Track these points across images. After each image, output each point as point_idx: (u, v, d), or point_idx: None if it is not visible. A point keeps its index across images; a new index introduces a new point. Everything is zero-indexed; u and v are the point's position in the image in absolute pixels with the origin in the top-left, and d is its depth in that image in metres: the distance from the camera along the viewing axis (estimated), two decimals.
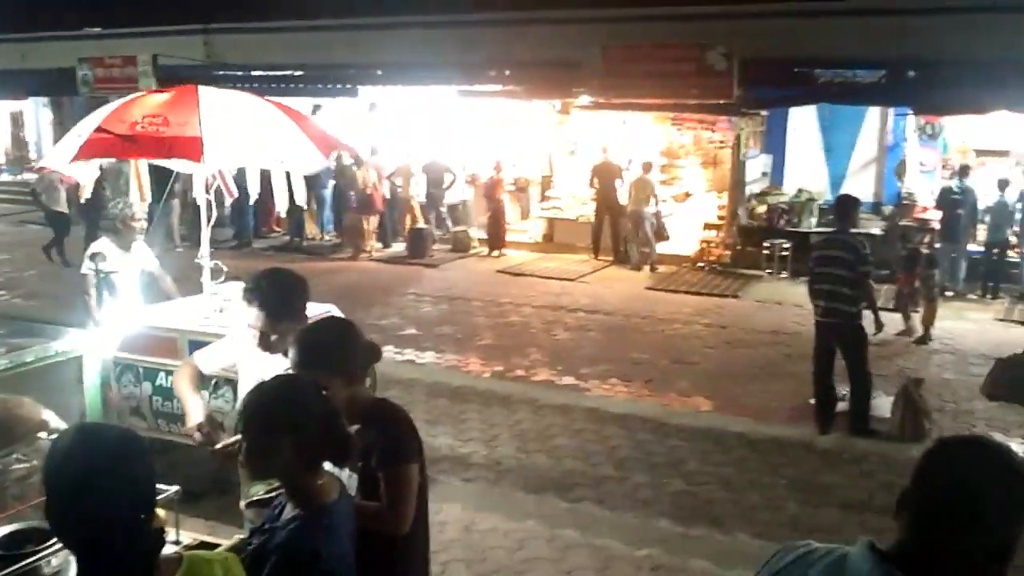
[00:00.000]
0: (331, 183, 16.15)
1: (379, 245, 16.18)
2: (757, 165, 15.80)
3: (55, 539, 2.44)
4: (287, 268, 3.83)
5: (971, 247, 12.96)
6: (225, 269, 6.38)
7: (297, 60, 15.74)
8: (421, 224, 16.17)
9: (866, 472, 6.82)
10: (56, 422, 3.59)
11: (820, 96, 13.31)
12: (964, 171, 12.97)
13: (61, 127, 22.89)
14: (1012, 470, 1.62)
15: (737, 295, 12.88)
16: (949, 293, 12.50)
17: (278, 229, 17.50)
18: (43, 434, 3.53)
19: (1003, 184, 12.69)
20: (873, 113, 15.10)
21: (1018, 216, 12.51)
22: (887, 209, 14.49)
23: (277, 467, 2.40)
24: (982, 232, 13.01)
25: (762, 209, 14.92)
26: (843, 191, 13.16)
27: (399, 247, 16.26)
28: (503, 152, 16.16)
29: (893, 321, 10.01)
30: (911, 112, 13.87)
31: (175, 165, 6.51)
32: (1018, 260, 12.64)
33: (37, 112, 23.81)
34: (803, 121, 15.56)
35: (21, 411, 3.54)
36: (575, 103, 14.90)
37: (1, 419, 3.48)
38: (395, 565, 2.91)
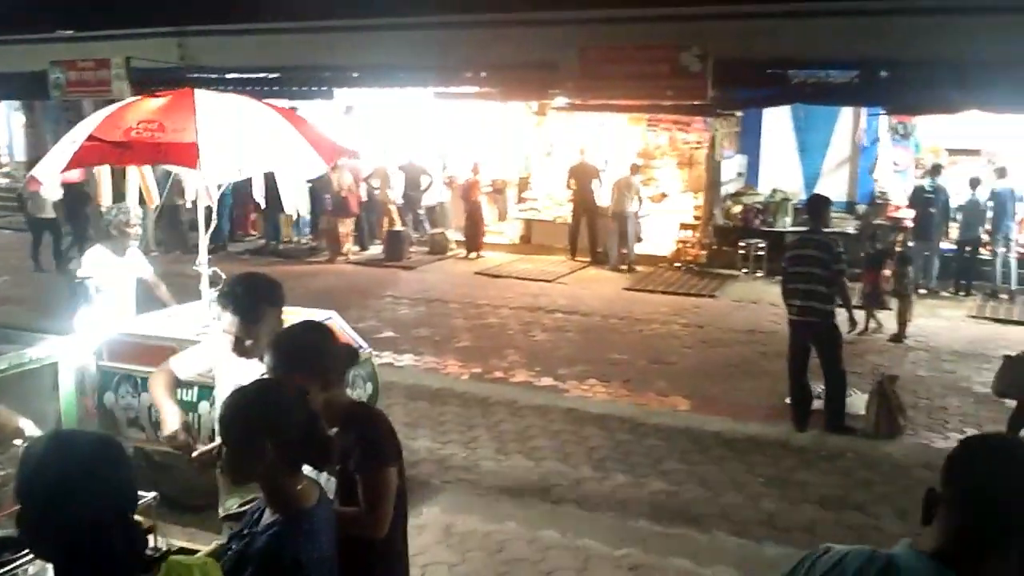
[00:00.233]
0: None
1: (356, 248, 16.14)
2: (732, 165, 15.90)
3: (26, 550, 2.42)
4: (262, 273, 3.82)
5: (944, 245, 13.12)
6: (223, 276, 6.25)
7: (272, 62, 15.65)
8: (398, 226, 16.15)
9: (842, 469, 6.88)
10: (32, 429, 3.56)
11: (794, 96, 13.39)
12: (936, 170, 13.13)
13: (33, 131, 22.66)
14: None
15: (714, 295, 12.96)
16: (922, 291, 12.66)
17: (254, 232, 17.42)
18: (18, 441, 3.51)
19: (974, 183, 12.85)
20: (846, 113, 15.24)
21: (989, 214, 12.68)
22: (861, 208, 14.63)
23: (257, 471, 2.39)
24: (954, 230, 13.17)
25: (737, 209, 15.02)
26: (817, 191, 13.28)
27: (376, 250, 16.22)
28: (480, 154, 16.18)
29: (860, 319, 10.11)
30: (884, 112, 14.01)
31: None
32: (990, 258, 12.80)
33: (9, 116, 23.56)
34: (777, 122, 15.67)
35: None
36: (551, 105, 14.93)
37: None
38: (374, 569, 2.92)
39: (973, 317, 11.69)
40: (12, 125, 23.70)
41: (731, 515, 6.08)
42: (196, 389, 5.06)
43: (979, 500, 1.65)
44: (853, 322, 8.11)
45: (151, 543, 3.33)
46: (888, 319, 10.76)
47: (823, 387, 7.69)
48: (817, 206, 7.82)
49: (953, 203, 13.04)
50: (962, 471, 1.70)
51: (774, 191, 15.12)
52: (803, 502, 6.30)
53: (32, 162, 22.54)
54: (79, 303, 6.50)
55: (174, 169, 6.34)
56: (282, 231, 16.63)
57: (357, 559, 2.72)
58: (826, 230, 8.01)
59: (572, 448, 7.20)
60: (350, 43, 15.09)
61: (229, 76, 15.73)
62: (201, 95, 5.71)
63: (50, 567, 1.93)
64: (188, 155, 5.30)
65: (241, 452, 2.39)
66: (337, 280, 13.81)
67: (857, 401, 7.80)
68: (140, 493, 3.30)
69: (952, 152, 14.63)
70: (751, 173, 16.21)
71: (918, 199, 12.98)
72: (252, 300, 3.53)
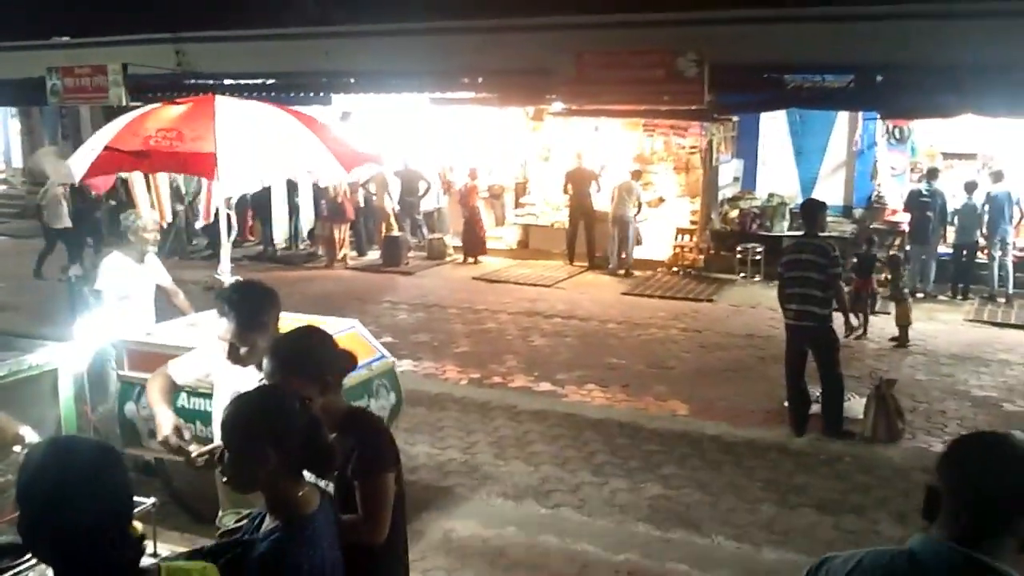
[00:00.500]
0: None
1: (354, 253, 16.15)
2: (729, 170, 15.94)
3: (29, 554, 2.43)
4: (258, 281, 3.82)
5: (940, 249, 13.13)
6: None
7: (270, 68, 15.66)
8: (396, 232, 16.16)
9: (841, 473, 6.89)
10: (32, 436, 3.57)
11: (790, 101, 13.43)
12: (932, 174, 13.15)
13: (30, 137, 22.69)
14: None
15: (711, 299, 12.98)
16: (920, 295, 12.68)
17: (251, 238, 17.42)
18: (18, 448, 3.51)
19: (970, 187, 12.87)
20: (843, 118, 15.28)
21: (986, 218, 12.70)
22: (858, 212, 14.67)
23: (259, 478, 2.39)
24: (951, 234, 13.19)
25: (734, 214, 15.05)
26: (814, 195, 13.34)
27: (374, 255, 16.23)
28: (478, 159, 16.19)
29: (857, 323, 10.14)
30: (879, 116, 14.04)
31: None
32: (986, 261, 12.82)
33: (6, 122, 23.57)
34: (774, 126, 15.72)
35: None
36: (548, 110, 14.95)
37: None
38: (375, 575, 2.91)
39: (970, 321, 11.71)
40: (9, 132, 23.71)
41: (730, 520, 6.09)
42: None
43: (976, 489, 1.83)
44: (850, 326, 8.12)
45: (150, 549, 3.34)
46: (876, 323, 10.82)
47: (821, 391, 7.70)
48: (812, 210, 7.83)
49: (949, 207, 13.06)
50: (959, 463, 1.88)
51: (771, 195, 15.15)
52: (801, 506, 6.31)
53: (29, 169, 22.59)
54: (78, 309, 6.47)
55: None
56: (276, 236, 16.63)
57: (357, 566, 2.72)
58: (822, 234, 8.04)
59: (571, 453, 7.21)
60: (347, 49, 15.12)
61: (227, 82, 15.74)
62: (222, 102, 5.61)
63: (51, 572, 1.94)
64: (206, 165, 5.23)
65: (243, 459, 2.39)
66: (335, 286, 13.82)
67: (855, 405, 7.82)
68: (139, 499, 3.31)
69: (948, 156, 14.66)
70: (748, 177, 16.25)
71: (914, 203, 12.99)
72: (248, 308, 3.53)
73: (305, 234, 16.84)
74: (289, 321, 5.85)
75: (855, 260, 11.30)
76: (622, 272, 14.52)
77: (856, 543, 4.65)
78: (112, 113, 19.53)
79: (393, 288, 13.76)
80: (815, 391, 7.72)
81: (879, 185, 15.02)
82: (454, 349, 10.36)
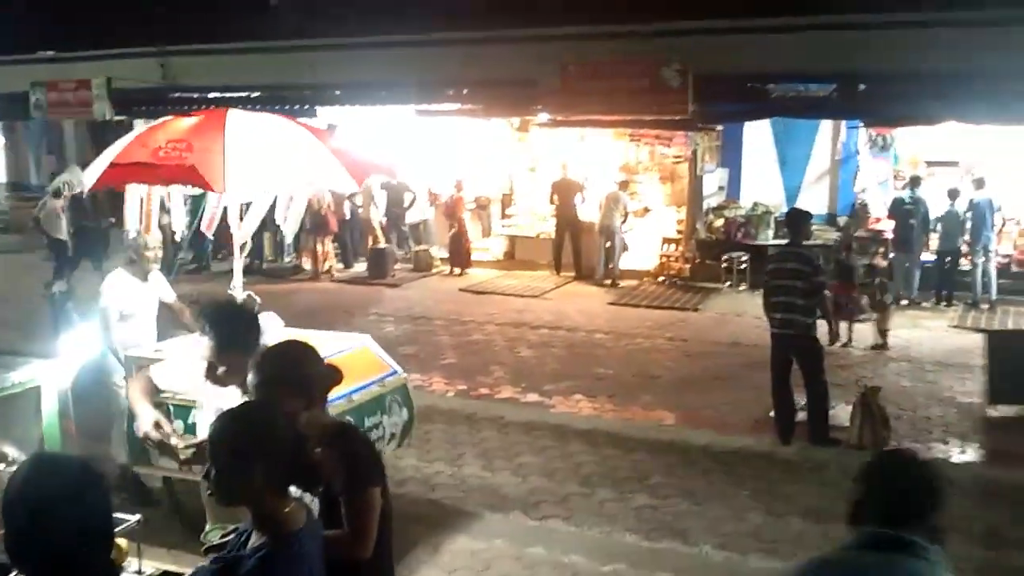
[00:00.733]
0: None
1: (340, 265, 16.12)
2: (714, 179, 16.02)
3: (15, 572, 2.41)
4: (237, 301, 3.80)
5: (924, 256, 13.23)
6: (258, 300, 5.98)
7: (255, 81, 15.64)
8: (382, 244, 16.14)
9: (827, 481, 6.90)
10: (15, 453, 3.55)
11: (773, 110, 13.51)
12: (915, 182, 13.26)
13: (14, 151, 22.60)
14: (932, 473, 2.48)
15: (698, 308, 13.02)
16: (904, 302, 12.77)
17: None
18: (1, 465, 3.49)
19: (953, 194, 12.97)
20: (826, 126, 15.38)
21: (968, 225, 12.80)
22: (842, 220, 14.75)
23: (245, 493, 2.39)
24: (934, 241, 13.29)
25: (720, 223, 15.12)
26: (798, 203, 13.40)
27: (361, 267, 16.21)
28: (464, 170, 16.21)
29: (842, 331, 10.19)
30: (862, 125, 14.14)
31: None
32: (969, 268, 12.91)
33: None
34: (758, 135, 15.81)
35: None
36: (534, 121, 15.00)
37: None
38: None
39: (955, 327, 11.78)
40: None
41: (717, 529, 6.10)
42: None
43: (893, 487, 2.36)
44: (834, 335, 8.17)
45: (135, 567, 3.33)
46: (861, 330, 10.88)
47: (806, 399, 7.72)
48: (796, 220, 7.87)
49: (932, 214, 13.16)
50: (880, 470, 2.43)
51: (756, 204, 15.22)
52: (789, 515, 6.32)
53: (13, 184, 22.50)
54: (61, 325, 6.42)
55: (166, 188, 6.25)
56: (265, 250, 16.59)
57: None
58: (808, 243, 8.08)
59: (558, 464, 7.20)
60: (332, 61, 15.11)
61: (211, 96, 15.72)
62: (234, 115, 5.54)
63: None
64: (214, 176, 5.17)
65: (229, 474, 2.38)
66: (322, 298, 13.79)
67: (841, 413, 7.84)
68: (123, 516, 3.29)
69: (930, 164, 14.79)
70: (733, 187, 16.33)
71: (898, 211, 13.09)
72: (229, 327, 3.50)
73: (291, 247, 16.80)
74: (296, 338, 5.82)
75: (834, 267, 11.38)
76: (608, 282, 14.55)
77: None
78: (96, 127, 19.59)
79: (380, 300, 13.74)
80: (801, 399, 7.75)
81: (862, 191, 15.12)
82: (441, 361, 10.35)
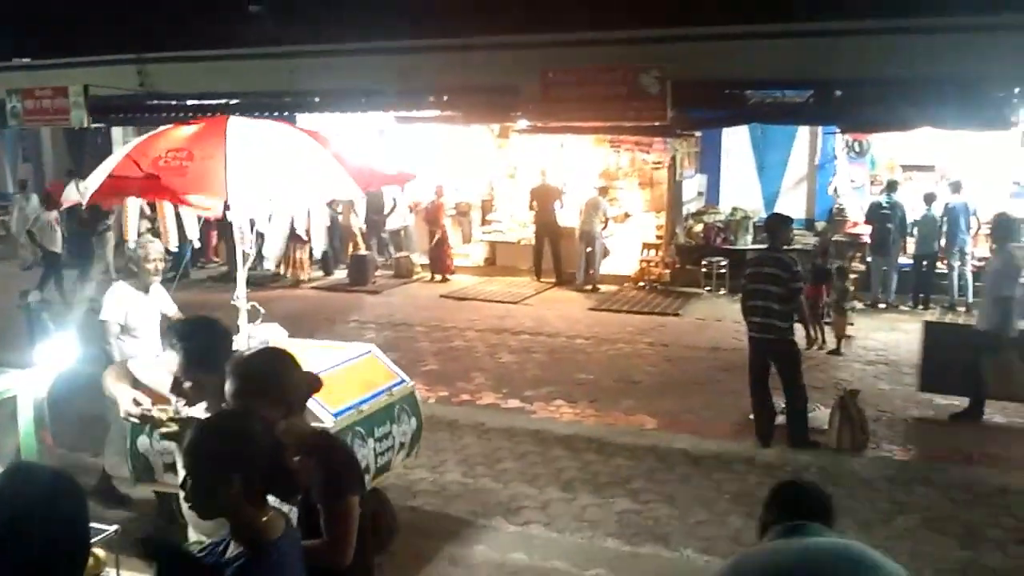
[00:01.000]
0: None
1: (320, 273, 16.08)
2: (693, 185, 16.11)
3: None
4: (216, 319, 3.75)
5: (901, 260, 13.35)
6: (262, 311, 5.91)
7: (233, 88, 15.59)
8: (363, 251, 16.11)
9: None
10: None
11: (751, 116, 13.63)
12: (892, 186, 13.38)
13: None
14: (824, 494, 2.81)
15: (678, 313, 13.07)
16: (882, 305, 12.87)
17: (216, 259, 17.29)
18: None
19: (929, 198, 13.11)
20: (804, 132, 15.51)
21: (944, 228, 12.93)
22: (820, 225, 14.87)
23: (222, 504, 2.37)
24: (911, 245, 13.42)
25: (699, 228, 15.20)
26: (777, 208, 13.51)
27: (341, 274, 16.17)
28: (444, 177, 16.21)
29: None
30: (839, 130, 14.27)
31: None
32: (946, 271, 13.03)
33: None
34: (736, 141, 15.92)
35: None
36: (513, 127, 15.03)
37: None
38: None
39: None
40: None
41: (698, 532, 6.12)
42: None
43: (787, 501, 2.71)
44: (811, 339, 8.24)
45: None
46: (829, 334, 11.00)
47: (785, 403, 7.77)
48: (775, 225, 7.93)
49: (909, 218, 13.29)
50: (780, 501, 2.73)
51: (735, 209, 15.32)
52: None
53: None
54: (37, 335, 6.35)
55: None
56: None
57: None
58: (786, 248, 8.14)
59: (539, 470, 7.21)
60: (311, 68, 15.09)
61: (189, 103, 15.66)
62: (235, 122, 5.41)
63: None
64: (216, 184, 5.07)
65: (206, 484, 2.37)
66: (303, 305, 13.73)
67: (820, 416, 7.90)
68: (101, 527, 3.27)
69: (907, 168, 14.95)
70: (712, 192, 16.43)
71: (875, 215, 13.21)
72: (198, 344, 3.47)
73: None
74: (302, 348, 5.75)
75: (812, 269, 11.49)
76: (589, 288, 14.59)
77: None
78: (73, 135, 19.47)
79: (360, 307, 13.71)
80: (780, 403, 7.80)
81: (834, 191, 15.26)
82: (422, 367, 10.33)
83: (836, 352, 10.69)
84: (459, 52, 14.10)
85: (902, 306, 13.03)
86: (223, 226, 15.97)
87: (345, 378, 5.36)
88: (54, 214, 13.93)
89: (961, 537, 6.00)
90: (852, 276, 12.95)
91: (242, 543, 2.36)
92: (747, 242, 14.48)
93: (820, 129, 15.16)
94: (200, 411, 3.28)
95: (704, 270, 14.37)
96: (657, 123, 12.50)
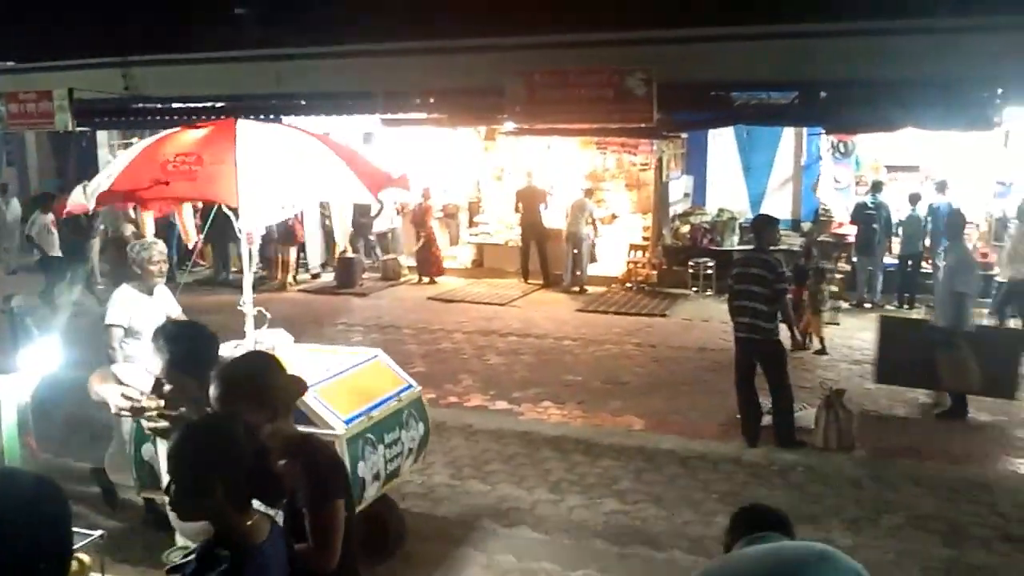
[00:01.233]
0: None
1: (307, 275, 16.04)
2: (679, 186, 16.15)
3: None
4: (202, 325, 3.74)
5: (886, 260, 13.41)
6: (268, 316, 5.84)
7: (219, 91, 15.55)
8: (350, 253, 16.09)
9: (794, 483, 6.98)
10: None
11: (737, 118, 13.68)
12: (877, 187, 13.45)
13: None
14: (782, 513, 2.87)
15: (665, 314, 13.10)
16: (867, 304, 12.93)
17: (202, 263, 17.22)
18: None
19: (914, 199, 13.19)
20: (789, 133, 15.58)
21: (929, 228, 13.00)
22: (805, 225, 14.93)
23: (207, 508, 2.37)
24: (896, 245, 13.48)
25: (686, 229, 15.24)
26: (762, 209, 13.55)
27: (328, 277, 16.13)
28: (431, 179, 16.20)
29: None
30: (824, 131, 14.34)
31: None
32: (931, 271, 13.09)
33: None
34: (722, 142, 15.98)
35: None
36: (500, 129, 15.03)
37: None
38: None
39: None
40: None
41: (686, 533, 6.13)
42: None
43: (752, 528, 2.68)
44: (796, 339, 8.28)
45: None
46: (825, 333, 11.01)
47: (771, 403, 7.80)
48: (761, 226, 7.97)
49: (894, 219, 13.36)
50: (744, 520, 2.77)
51: (721, 210, 15.37)
52: None
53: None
54: (20, 340, 6.30)
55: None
56: (231, 260, 16.46)
57: None
58: (772, 248, 8.17)
59: (527, 471, 7.21)
60: (297, 71, 15.08)
61: (175, 106, 15.60)
62: (243, 125, 5.33)
63: None
64: (226, 190, 4.99)
65: (191, 489, 2.36)
66: (290, 308, 13.67)
67: (807, 415, 7.93)
68: (86, 531, 3.26)
69: (891, 169, 15.03)
70: (698, 193, 16.48)
71: (860, 215, 13.27)
72: (181, 348, 3.45)
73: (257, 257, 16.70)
74: (310, 352, 5.70)
75: (794, 269, 11.54)
76: (576, 289, 14.61)
77: None
78: (58, 139, 19.38)
79: (348, 310, 13.69)
80: (766, 403, 7.83)
81: (815, 189, 15.34)
82: (409, 370, 10.18)
83: (822, 352, 10.75)
84: (445, 54, 14.12)
85: (888, 306, 13.09)
86: (211, 230, 16.03)
87: (354, 384, 5.35)
88: (50, 217, 13.82)
89: (946, 535, 6.04)
90: (838, 276, 13.05)
91: (227, 547, 2.36)
92: (733, 243, 14.53)
93: (805, 130, 15.23)
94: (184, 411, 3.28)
95: (691, 271, 14.42)
96: (643, 125, 12.54)
